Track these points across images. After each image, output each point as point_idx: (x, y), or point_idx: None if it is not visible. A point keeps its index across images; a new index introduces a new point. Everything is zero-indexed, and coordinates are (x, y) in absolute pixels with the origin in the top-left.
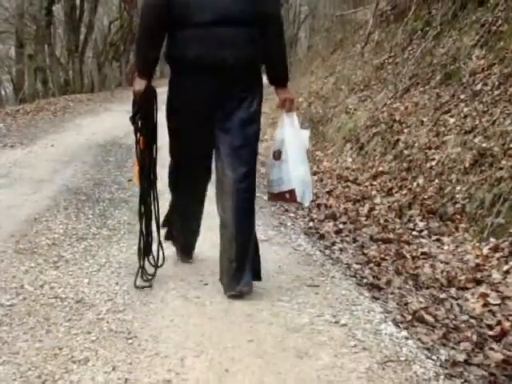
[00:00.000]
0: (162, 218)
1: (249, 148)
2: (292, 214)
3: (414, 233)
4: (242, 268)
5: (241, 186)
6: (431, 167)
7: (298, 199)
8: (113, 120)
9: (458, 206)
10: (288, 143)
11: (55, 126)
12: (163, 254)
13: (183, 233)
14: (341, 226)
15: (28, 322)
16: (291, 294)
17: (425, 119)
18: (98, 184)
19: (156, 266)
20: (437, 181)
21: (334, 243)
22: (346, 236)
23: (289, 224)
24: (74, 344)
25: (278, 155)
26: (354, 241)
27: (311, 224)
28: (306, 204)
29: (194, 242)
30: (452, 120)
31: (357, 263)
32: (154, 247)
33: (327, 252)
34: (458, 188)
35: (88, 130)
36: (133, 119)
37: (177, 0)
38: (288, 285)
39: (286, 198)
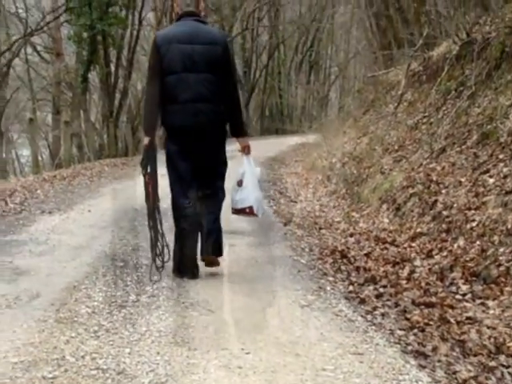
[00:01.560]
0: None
1: (220, 183)
2: (331, 278)
3: (458, 296)
4: (217, 247)
5: (212, 201)
6: (472, 228)
7: (255, 212)
8: None
9: (501, 268)
10: (247, 175)
11: (91, 191)
12: (168, 251)
13: (186, 250)
14: (381, 289)
15: None
16: (335, 362)
17: (463, 179)
18: (135, 249)
19: (163, 262)
20: (478, 242)
21: (375, 308)
22: (387, 300)
23: (328, 288)
24: None
25: (240, 183)
26: (396, 305)
27: (351, 288)
28: (260, 216)
29: (194, 259)
30: (491, 180)
31: (400, 329)
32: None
33: (369, 317)
34: (501, 250)
35: (123, 194)
36: (141, 163)
37: (167, 86)
38: (331, 353)
39: (246, 211)
